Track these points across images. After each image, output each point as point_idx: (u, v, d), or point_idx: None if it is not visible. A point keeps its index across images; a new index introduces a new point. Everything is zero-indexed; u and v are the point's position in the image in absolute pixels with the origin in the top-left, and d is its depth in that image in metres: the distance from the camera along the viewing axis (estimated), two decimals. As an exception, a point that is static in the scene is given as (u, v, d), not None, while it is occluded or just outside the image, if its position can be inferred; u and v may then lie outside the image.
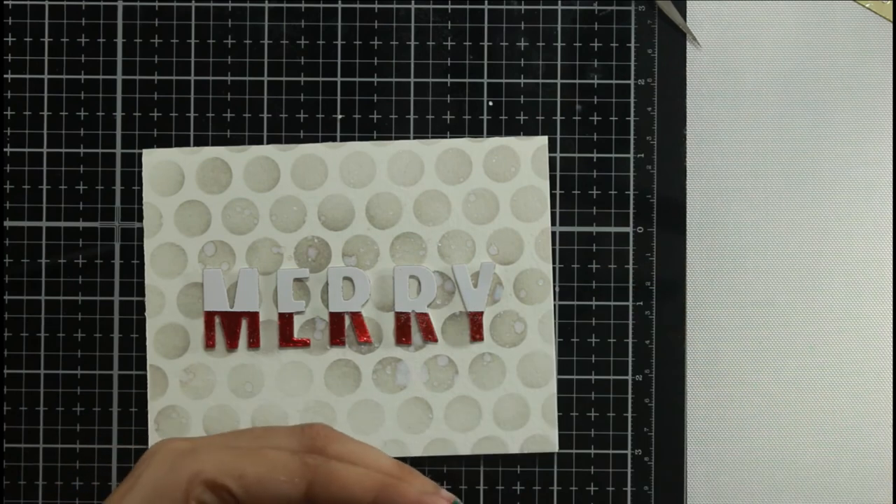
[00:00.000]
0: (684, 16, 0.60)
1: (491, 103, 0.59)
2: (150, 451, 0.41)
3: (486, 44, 0.60)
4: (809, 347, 0.60)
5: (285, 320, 0.58)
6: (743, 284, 0.60)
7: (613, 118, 0.60)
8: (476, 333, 0.58)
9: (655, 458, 0.59)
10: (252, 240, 0.58)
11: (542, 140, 0.59)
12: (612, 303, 0.59)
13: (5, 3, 0.59)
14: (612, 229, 0.59)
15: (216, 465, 0.41)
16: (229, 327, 0.58)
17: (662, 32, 0.60)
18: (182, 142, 0.59)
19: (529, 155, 0.59)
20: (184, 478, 0.41)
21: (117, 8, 0.59)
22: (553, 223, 0.59)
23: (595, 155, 0.59)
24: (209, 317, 0.58)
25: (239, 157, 0.58)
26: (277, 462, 0.42)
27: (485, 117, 0.59)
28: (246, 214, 0.58)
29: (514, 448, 0.58)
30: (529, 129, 0.59)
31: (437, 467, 0.59)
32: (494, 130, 0.59)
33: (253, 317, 0.58)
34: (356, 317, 0.58)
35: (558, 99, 0.60)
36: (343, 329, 0.58)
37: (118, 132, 0.59)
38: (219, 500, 0.41)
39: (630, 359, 0.59)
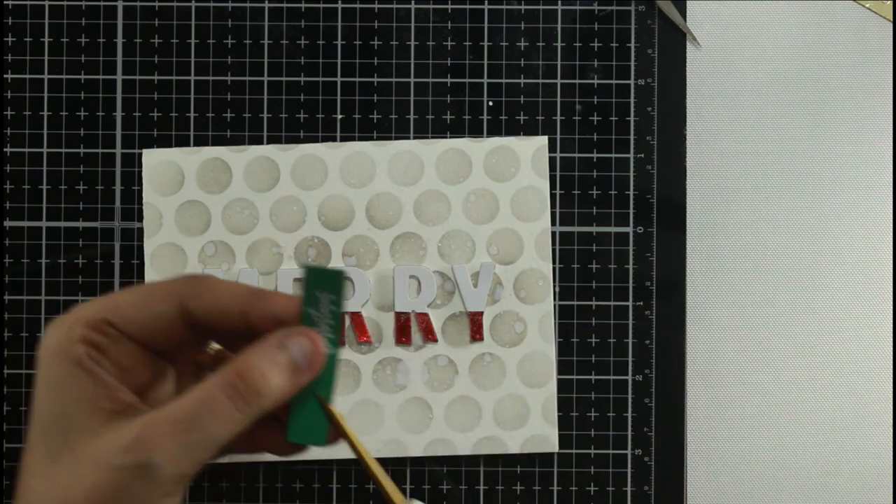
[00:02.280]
0: (684, 16, 0.60)
1: (491, 103, 0.59)
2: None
3: (486, 44, 0.60)
4: (809, 347, 0.60)
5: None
6: (743, 284, 0.60)
7: (613, 118, 0.60)
8: (476, 333, 0.58)
9: (655, 458, 0.59)
10: (252, 240, 0.58)
11: (542, 140, 0.59)
12: (612, 303, 0.59)
13: (5, 3, 0.59)
14: (612, 229, 0.59)
15: (93, 305, 0.42)
16: (229, 327, 0.58)
17: (662, 32, 0.60)
18: (182, 142, 0.59)
19: (529, 155, 0.59)
20: (66, 327, 0.42)
21: (117, 8, 0.59)
22: (553, 223, 0.59)
23: (595, 155, 0.59)
24: (209, 317, 0.58)
25: (239, 157, 0.58)
26: (150, 287, 0.43)
27: (485, 117, 0.59)
28: (246, 214, 0.58)
29: (514, 448, 0.58)
30: (529, 129, 0.59)
31: (438, 467, 0.59)
32: (494, 130, 0.59)
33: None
34: (356, 317, 0.58)
35: (558, 99, 0.60)
36: (343, 329, 0.58)
37: (118, 132, 0.59)
38: (104, 337, 0.42)
39: (630, 359, 0.59)
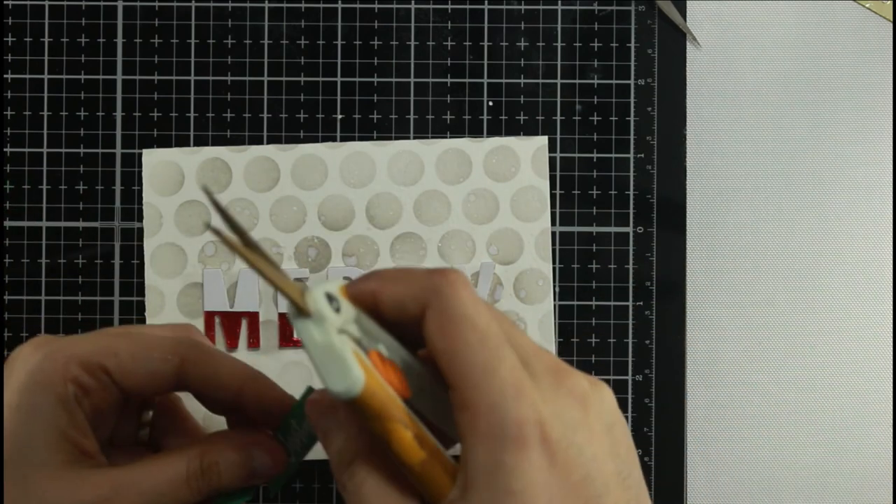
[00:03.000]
0: (684, 16, 0.60)
1: (491, 103, 0.59)
2: (15, 352, 0.42)
3: (486, 44, 0.60)
4: (809, 347, 0.60)
5: (285, 320, 0.58)
6: (743, 284, 0.60)
7: (613, 118, 0.60)
8: (476, 333, 0.58)
9: (655, 458, 0.59)
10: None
11: (542, 140, 0.59)
12: (612, 303, 0.59)
13: (5, 3, 0.59)
14: (612, 229, 0.59)
15: (92, 346, 0.42)
16: (229, 327, 0.58)
17: (662, 32, 0.60)
18: (182, 142, 0.59)
19: (529, 155, 0.59)
20: (60, 362, 0.41)
21: (117, 8, 0.59)
22: (553, 223, 0.59)
23: (595, 155, 0.59)
24: (209, 317, 0.58)
25: (239, 157, 0.58)
26: (152, 341, 0.43)
27: (485, 117, 0.59)
28: (246, 214, 0.58)
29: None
30: (529, 129, 0.59)
31: (437, 467, 0.59)
32: (494, 130, 0.59)
33: (253, 317, 0.58)
34: (356, 317, 0.58)
35: (558, 99, 0.60)
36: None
37: (118, 132, 0.59)
38: (95, 382, 0.42)
39: (630, 359, 0.59)
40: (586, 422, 0.39)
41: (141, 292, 0.59)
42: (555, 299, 0.59)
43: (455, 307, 0.38)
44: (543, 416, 0.37)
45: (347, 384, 0.36)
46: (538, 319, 0.58)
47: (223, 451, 0.44)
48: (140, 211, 0.59)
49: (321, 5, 0.59)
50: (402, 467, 0.39)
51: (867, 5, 0.60)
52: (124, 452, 0.46)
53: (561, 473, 0.37)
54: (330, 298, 0.37)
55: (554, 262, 0.59)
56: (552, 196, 0.59)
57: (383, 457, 0.40)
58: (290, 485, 0.59)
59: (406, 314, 0.40)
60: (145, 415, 0.48)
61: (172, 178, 0.58)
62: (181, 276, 0.58)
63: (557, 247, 0.59)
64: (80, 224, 0.59)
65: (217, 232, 0.34)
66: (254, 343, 0.58)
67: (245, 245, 0.36)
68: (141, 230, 0.59)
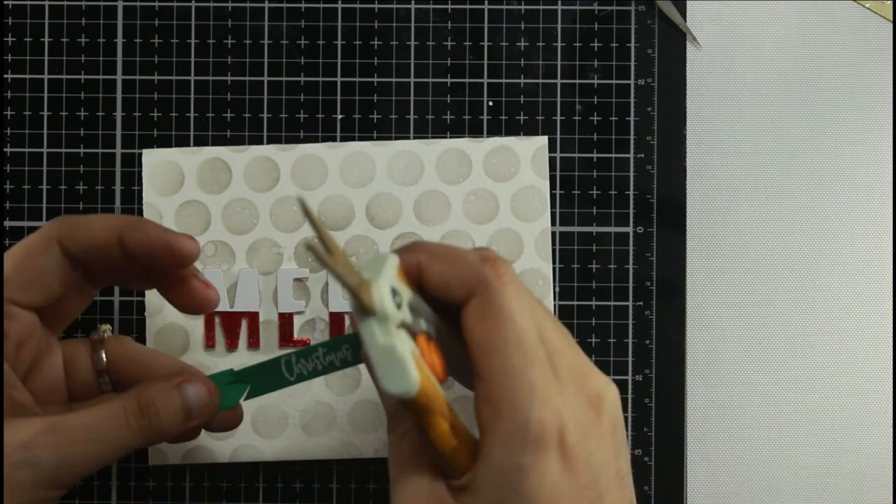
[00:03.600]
0: (684, 16, 0.60)
1: (491, 103, 0.59)
2: None
3: (486, 44, 0.60)
4: (809, 347, 0.60)
5: (285, 320, 0.58)
6: (743, 284, 0.60)
7: (613, 118, 0.60)
8: (476, 333, 0.58)
9: (655, 458, 0.59)
10: (252, 240, 0.58)
11: (542, 140, 0.59)
12: (612, 303, 0.59)
13: (5, 3, 0.59)
14: (612, 229, 0.59)
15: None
16: (229, 327, 0.58)
17: (662, 32, 0.60)
18: (182, 142, 0.59)
19: (529, 155, 0.59)
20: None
21: (117, 8, 0.59)
22: (553, 223, 0.59)
23: (595, 155, 0.59)
24: (209, 317, 0.58)
25: (239, 157, 0.58)
26: (25, 247, 0.45)
27: (485, 117, 0.59)
28: (246, 214, 0.58)
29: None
30: (529, 129, 0.59)
31: (437, 467, 0.59)
32: (494, 130, 0.59)
33: (253, 317, 0.58)
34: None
35: (558, 99, 0.60)
36: (343, 329, 0.58)
37: (118, 132, 0.59)
38: (7, 319, 0.43)
39: (630, 359, 0.59)
40: (599, 425, 0.40)
41: (141, 292, 0.59)
42: (555, 299, 0.59)
43: (500, 303, 0.39)
44: (564, 420, 0.38)
45: (405, 388, 0.37)
46: (538, 319, 0.58)
47: (159, 390, 0.45)
48: (140, 211, 0.59)
49: (321, 5, 0.59)
50: (430, 447, 0.40)
51: (867, 5, 0.60)
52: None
53: (571, 476, 0.38)
54: (393, 293, 0.38)
55: (554, 262, 0.59)
56: (552, 196, 0.59)
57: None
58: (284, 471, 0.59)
59: (449, 296, 0.40)
60: (98, 359, 0.49)
61: (172, 178, 0.58)
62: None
63: (557, 247, 0.59)
64: (80, 224, 0.59)
65: (312, 248, 0.35)
66: (254, 343, 0.58)
67: (327, 250, 0.37)
68: (141, 230, 0.59)
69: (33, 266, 0.44)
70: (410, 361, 0.37)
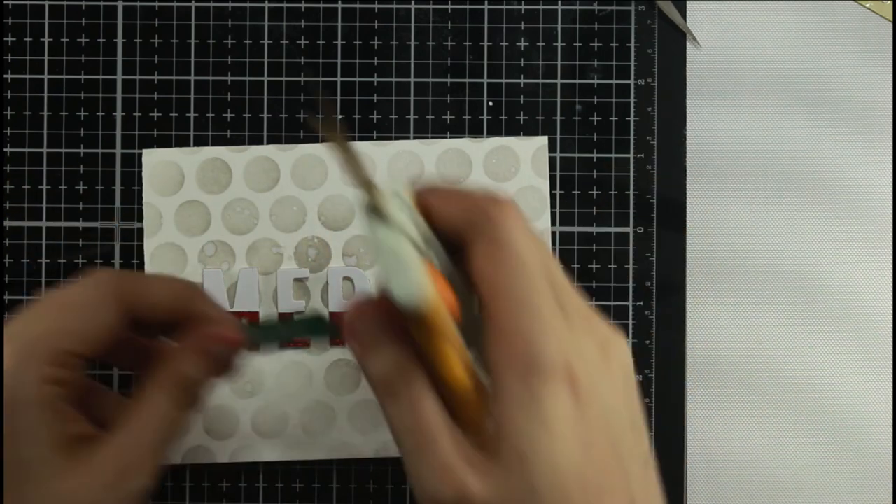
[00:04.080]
0: (684, 16, 0.60)
1: (491, 103, 0.59)
2: None
3: (486, 44, 0.60)
4: (809, 347, 0.60)
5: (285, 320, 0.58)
6: (743, 284, 0.60)
7: (613, 118, 0.60)
8: (476, 334, 0.58)
9: (656, 458, 0.59)
10: (252, 240, 0.58)
11: (542, 140, 0.59)
12: (612, 303, 0.59)
13: (5, 3, 0.59)
14: (612, 229, 0.59)
15: (47, 336, 0.42)
16: (229, 327, 0.58)
17: (662, 32, 0.60)
18: (182, 142, 0.59)
19: (529, 155, 0.59)
20: (31, 367, 0.41)
21: (117, 8, 0.59)
22: (553, 223, 0.59)
23: (595, 155, 0.59)
24: (209, 317, 0.58)
25: (239, 157, 0.58)
26: (85, 298, 0.44)
27: (485, 117, 0.59)
28: (246, 214, 0.58)
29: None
30: (529, 129, 0.59)
31: (437, 467, 0.59)
32: (494, 130, 0.59)
33: (253, 317, 0.58)
34: (356, 317, 0.58)
35: (558, 99, 0.60)
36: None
37: (118, 132, 0.59)
38: (67, 371, 0.42)
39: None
40: (608, 370, 0.39)
41: (141, 292, 0.59)
42: (555, 299, 0.59)
43: (504, 236, 0.39)
44: (571, 355, 0.38)
45: (416, 292, 0.35)
46: (538, 319, 0.58)
47: (189, 363, 0.46)
48: (140, 211, 0.59)
49: (321, 5, 0.59)
50: (445, 390, 0.39)
51: (867, 5, 0.60)
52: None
53: (584, 412, 0.38)
54: (401, 202, 0.37)
55: (554, 262, 0.59)
56: (552, 196, 0.59)
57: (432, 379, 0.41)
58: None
59: (457, 235, 0.40)
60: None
61: (172, 178, 0.58)
62: (181, 276, 0.58)
63: (557, 247, 0.59)
64: (80, 224, 0.59)
65: (320, 120, 0.34)
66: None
67: (336, 134, 0.36)
68: (141, 230, 0.59)
69: (93, 321, 0.43)
70: (420, 266, 0.36)
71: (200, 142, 0.59)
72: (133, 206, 0.59)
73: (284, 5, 0.59)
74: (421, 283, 0.35)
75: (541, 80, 0.60)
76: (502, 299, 0.38)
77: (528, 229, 0.40)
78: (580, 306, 0.40)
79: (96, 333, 0.43)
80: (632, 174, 0.59)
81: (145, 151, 0.59)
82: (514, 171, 0.58)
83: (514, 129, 0.59)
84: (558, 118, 0.59)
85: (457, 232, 0.40)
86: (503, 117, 0.59)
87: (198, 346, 0.46)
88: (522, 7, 0.59)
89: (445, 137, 0.59)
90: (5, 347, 0.41)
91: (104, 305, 0.44)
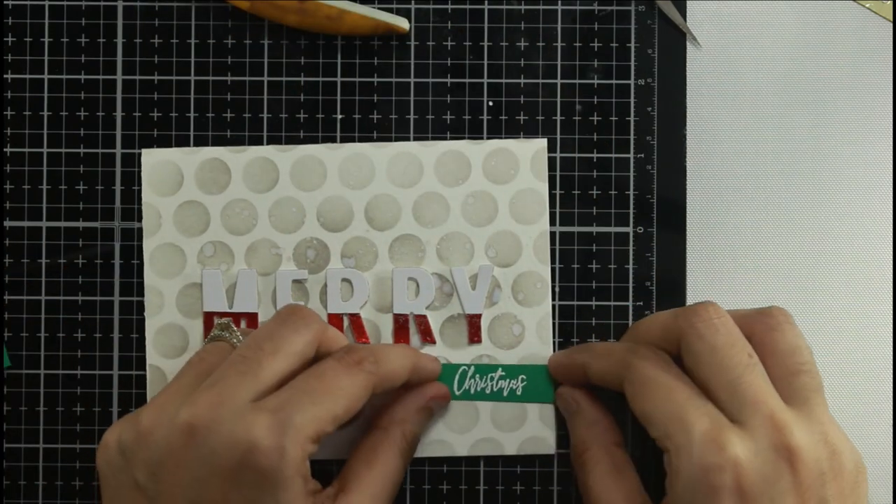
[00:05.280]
0: (684, 16, 0.60)
1: (491, 103, 0.59)
2: (252, 442, 0.45)
3: (486, 44, 0.60)
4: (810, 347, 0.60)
5: (285, 320, 0.58)
6: (743, 284, 0.60)
7: (613, 118, 0.59)
8: (474, 335, 0.58)
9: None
10: (251, 240, 0.58)
11: (542, 142, 0.59)
12: (612, 303, 0.59)
13: (5, 3, 0.59)
14: (612, 229, 0.59)
15: (318, 418, 0.46)
16: (229, 327, 0.58)
17: (662, 32, 0.60)
18: (182, 142, 0.59)
19: (529, 157, 0.59)
20: (299, 454, 0.45)
21: (117, 8, 0.59)
22: (553, 223, 0.59)
23: (595, 155, 0.59)
24: (208, 317, 0.58)
25: (238, 158, 0.58)
26: (353, 393, 0.49)
27: (485, 117, 0.59)
28: (245, 215, 0.58)
29: (511, 450, 0.58)
30: (529, 130, 0.59)
31: (438, 467, 0.59)
32: (494, 130, 0.59)
33: (252, 317, 0.58)
34: (355, 318, 0.58)
35: (558, 99, 0.59)
36: (342, 330, 0.58)
37: (118, 132, 0.59)
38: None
39: (630, 359, 0.59)
40: (795, 483, 0.42)
41: (141, 292, 0.59)
42: (554, 299, 0.59)
43: (642, 375, 0.47)
44: (740, 463, 0.40)
45: None
46: (536, 322, 0.58)
47: (416, 423, 0.55)
48: (140, 211, 0.59)
49: (321, 5, 0.59)
50: None
51: (867, 5, 0.60)
52: None
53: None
54: None
55: (553, 263, 0.59)
56: (552, 196, 0.59)
57: (614, 450, 0.53)
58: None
59: (611, 386, 0.51)
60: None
61: (171, 178, 0.58)
62: (180, 276, 0.58)
63: (557, 247, 0.59)
64: (80, 224, 0.59)
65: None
66: (254, 343, 0.58)
67: None
68: (141, 230, 0.59)
69: (353, 409, 0.48)
70: None
71: (200, 142, 0.59)
72: (133, 206, 0.59)
73: (284, 5, 0.59)
74: None
75: (541, 81, 0.60)
76: (656, 422, 0.47)
77: (668, 366, 0.49)
78: (769, 411, 0.46)
79: (350, 416, 0.48)
80: (632, 174, 0.59)
81: (144, 151, 0.59)
82: (513, 174, 0.58)
83: (514, 129, 0.59)
84: (558, 118, 0.59)
85: (612, 385, 0.52)
86: (503, 117, 0.59)
87: (421, 405, 0.55)
88: (522, 7, 0.59)
89: (445, 139, 0.59)
90: (274, 423, 0.44)
91: (364, 396, 0.48)
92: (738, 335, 0.48)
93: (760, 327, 0.49)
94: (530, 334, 0.58)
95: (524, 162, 0.59)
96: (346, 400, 0.47)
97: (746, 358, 0.47)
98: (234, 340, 0.52)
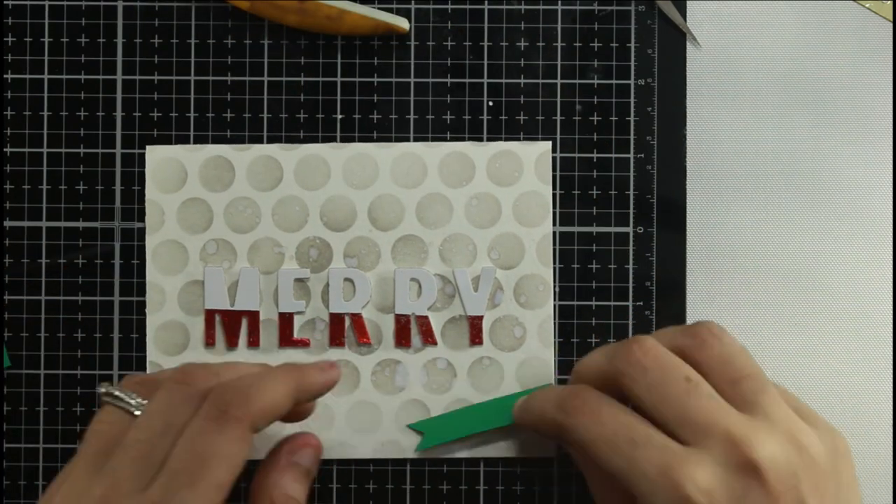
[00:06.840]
0: (684, 16, 0.60)
1: (491, 103, 0.59)
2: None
3: (486, 44, 0.60)
4: (809, 347, 0.60)
5: (285, 320, 0.58)
6: (743, 284, 0.60)
7: (613, 118, 0.60)
8: (476, 337, 0.58)
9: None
10: (254, 239, 0.58)
11: (546, 145, 0.59)
12: (612, 303, 0.59)
13: (5, 3, 0.59)
14: (612, 229, 0.59)
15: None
16: (230, 326, 0.58)
17: (662, 32, 0.60)
18: (182, 142, 0.59)
19: (533, 160, 0.59)
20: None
21: (117, 8, 0.59)
22: (553, 223, 0.59)
23: (595, 155, 0.59)
24: (209, 315, 0.58)
25: (242, 156, 0.58)
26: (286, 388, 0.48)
27: (485, 117, 0.59)
28: (248, 213, 0.58)
29: (510, 451, 0.58)
30: (529, 130, 0.59)
31: (437, 468, 0.59)
32: (494, 130, 0.59)
33: (253, 316, 0.58)
34: (356, 318, 0.58)
35: (558, 99, 0.60)
36: (343, 330, 0.58)
37: (118, 132, 0.59)
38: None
39: (630, 359, 0.59)
40: (765, 493, 0.42)
41: (141, 292, 0.59)
42: (554, 300, 0.59)
43: (578, 439, 0.48)
44: (704, 491, 0.41)
45: None
46: (538, 324, 0.58)
47: (284, 482, 0.53)
48: (140, 211, 0.59)
49: (321, 5, 0.59)
50: None
51: (867, 5, 0.60)
52: None
53: None
54: None
55: (554, 263, 0.59)
56: (552, 196, 0.59)
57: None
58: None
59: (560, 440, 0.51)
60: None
61: (175, 175, 0.58)
62: (182, 274, 0.58)
63: (557, 247, 0.59)
64: (80, 224, 0.59)
65: None
66: (254, 342, 0.58)
67: None
68: (141, 230, 0.59)
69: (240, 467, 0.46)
70: None
71: (200, 142, 0.59)
72: (133, 206, 0.59)
73: (285, 5, 0.59)
74: None
75: (541, 81, 0.60)
76: (607, 481, 0.51)
77: (611, 412, 0.48)
78: (728, 435, 0.45)
79: (238, 472, 0.46)
80: (632, 174, 0.59)
81: (148, 148, 0.59)
82: (517, 176, 0.58)
83: (514, 130, 0.59)
84: (558, 118, 0.59)
85: (562, 440, 0.51)
86: (503, 117, 0.59)
87: (284, 465, 0.53)
88: (522, 7, 0.59)
89: (445, 139, 0.59)
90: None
91: (245, 449, 0.46)
92: (671, 364, 0.47)
93: (689, 349, 0.48)
94: (531, 337, 0.58)
95: (528, 164, 0.59)
96: (225, 464, 0.44)
97: (685, 384, 0.46)
98: (133, 403, 0.48)
